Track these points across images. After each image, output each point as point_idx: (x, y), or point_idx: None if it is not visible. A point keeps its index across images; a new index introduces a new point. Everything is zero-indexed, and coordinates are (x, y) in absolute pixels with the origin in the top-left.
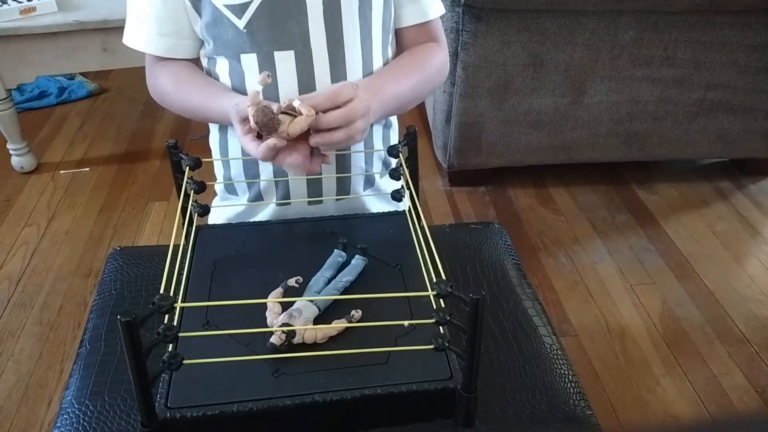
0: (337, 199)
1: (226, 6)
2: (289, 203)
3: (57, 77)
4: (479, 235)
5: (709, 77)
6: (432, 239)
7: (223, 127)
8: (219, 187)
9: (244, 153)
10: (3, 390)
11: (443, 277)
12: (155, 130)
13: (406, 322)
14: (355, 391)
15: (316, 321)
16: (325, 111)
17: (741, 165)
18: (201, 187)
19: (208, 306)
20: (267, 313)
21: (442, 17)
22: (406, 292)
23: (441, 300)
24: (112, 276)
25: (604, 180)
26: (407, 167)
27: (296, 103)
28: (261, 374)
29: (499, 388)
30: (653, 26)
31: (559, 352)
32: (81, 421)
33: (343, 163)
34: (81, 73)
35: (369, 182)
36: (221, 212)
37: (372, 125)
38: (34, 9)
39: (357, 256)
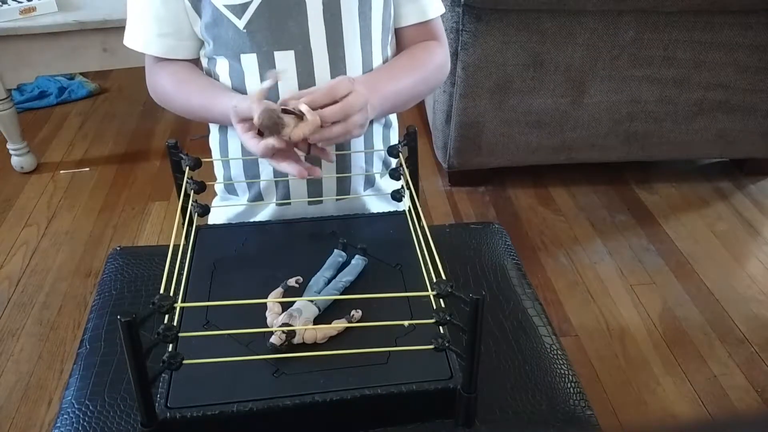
0: (337, 199)
1: (226, 6)
2: (289, 203)
3: (57, 77)
4: (479, 235)
5: (709, 77)
6: (432, 239)
7: (223, 127)
8: (219, 187)
9: (244, 153)
10: (3, 390)
11: (443, 277)
12: (155, 130)
13: (406, 322)
14: (355, 391)
15: (316, 321)
16: (323, 106)
17: (741, 165)
18: (201, 187)
19: (208, 306)
20: (267, 313)
21: (442, 17)
22: (406, 292)
23: (441, 300)
24: (112, 276)
25: (604, 180)
26: (407, 167)
27: (303, 108)
28: (261, 374)
29: (499, 388)
30: (653, 26)
31: (559, 352)
32: (81, 421)
33: (343, 163)
34: (81, 73)
35: (369, 182)
36: (221, 212)
37: (372, 125)
38: (34, 9)
39: (357, 256)
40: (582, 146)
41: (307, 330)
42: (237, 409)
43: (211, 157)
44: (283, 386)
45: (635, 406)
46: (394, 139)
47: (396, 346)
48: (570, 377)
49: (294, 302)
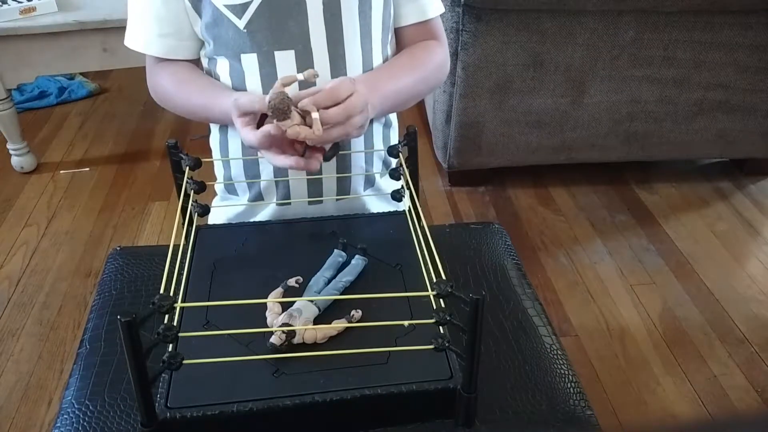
0: (337, 199)
1: (226, 6)
2: (290, 203)
3: (57, 77)
4: (479, 235)
5: (709, 77)
6: (432, 239)
7: (224, 127)
8: (219, 187)
9: (244, 153)
10: (3, 390)
11: (443, 277)
12: (155, 130)
13: (406, 322)
14: (355, 391)
15: (316, 321)
16: (325, 107)
17: (741, 165)
18: (201, 187)
19: (208, 306)
20: (267, 313)
21: (441, 17)
22: (406, 292)
23: (441, 300)
24: (112, 276)
25: (604, 180)
26: (407, 167)
27: (314, 115)
28: (261, 374)
29: (499, 388)
30: (653, 26)
31: (559, 352)
32: (81, 421)
33: (343, 163)
34: (81, 73)
35: (369, 182)
36: (221, 212)
37: (372, 124)
38: (34, 9)
39: (357, 256)
40: (582, 146)
41: (307, 330)
42: (237, 409)
43: (211, 157)
44: (283, 386)
45: (635, 406)
46: (394, 138)
47: (396, 346)
48: (570, 377)
49: (294, 302)
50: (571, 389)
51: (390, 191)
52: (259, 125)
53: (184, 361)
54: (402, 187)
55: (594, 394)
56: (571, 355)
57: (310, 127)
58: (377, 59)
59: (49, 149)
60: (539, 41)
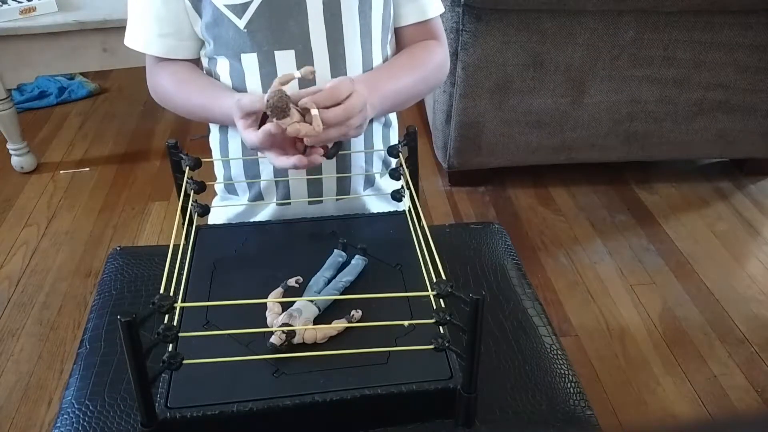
0: (337, 199)
1: (227, 6)
2: (290, 203)
3: (57, 77)
4: (479, 235)
5: (709, 77)
6: (432, 239)
7: (224, 127)
8: (219, 187)
9: (244, 153)
10: (3, 390)
11: (443, 277)
12: (155, 130)
13: (406, 322)
14: (355, 391)
15: (316, 321)
16: (325, 107)
17: (741, 165)
18: (201, 187)
19: (208, 306)
20: (267, 313)
21: (441, 17)
22: (406, 292)
23: (441, 300)
24: (112, 276)
25: (604, 180)
26: (407, 167)
27: (314, 112)
28: (261, 374)
29: (499, 388)
30: (653, 26)
31: (559, 352)
32: (81, 421)
33: (343, 163)
34: (81, 73)
35: (369, 182)
36: (221, 212)
37: (372, 124)
38: (34, 9)
39: (357, 256)
40: (582, 146)
41: (307, 330)
42: (237, 409)
43: (211, 157)
44: (283, 386)
45: (635, 406)
46: (394, 138)
47: (396, 346)
48: (570, 377)
49: (294, 302)
50: (571, 389)
51: (390, 191)
52: (260, 127)
53: (184, 361)
54: (402, 187)
55: (594, 394)
56: (571, 355)
57: (310, 124)
58: (377, 59)
59: (49, 149)
60: (539, 41)
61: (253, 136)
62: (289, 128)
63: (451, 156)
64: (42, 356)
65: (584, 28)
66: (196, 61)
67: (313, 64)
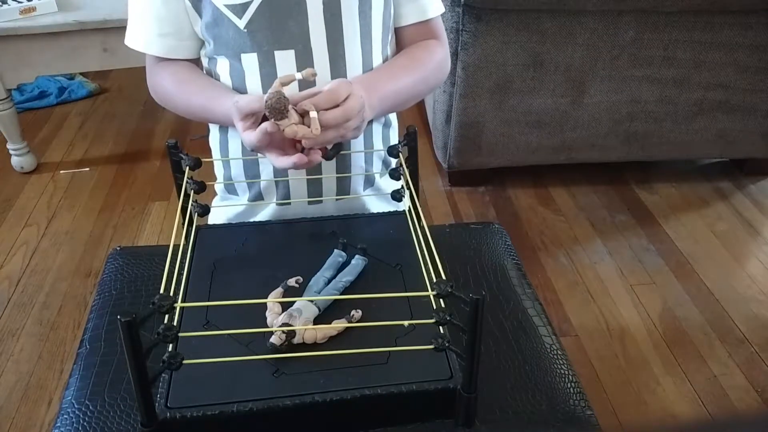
0: (337, 199)
1: (227, 6)
2: (290, 203)
3: (57, 77)
4: (479, 235)
5: (709, 77)
6: (432, 239)
7: (223, 127)
8: (219, 187)
9: (244, 153)
10: (3, 390)
11: (443, 277)
12: (155, 130)
13: (406, 322)
14: (355, 391)
15: (316, 321)
16: (323, 109)
17: (741, 165)
18: (201, 187)
19: (208, 306)
20: (267, 313)
21: (442, 17)
22: (406, 292)
23: (441, 300)
24: (112, 276)
25: (604, 180)
26: (407, 167)
27: (313, 114)
28: (261, 374)
29: (499, 388)
30: (653, 26)
31: (559, 352)
32: (81, 421)
33: (343, 163)
34: (81, 73)
35: (369, 182)
36: (221, 212)
37: (372, 124)
38: (34, 9)
39: (357, 256)
40: (582, 146)
41: (307, 330)
42: (237, 409)
43: (211, 157)
44: (283, 386)
45: (635, 406)
46: (394, 138)
47: (396, 346)
48: (570, 377)
49: (294, 302)
50: (571, 389)
51: (390, 191)
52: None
53: (184, 361)
54: (402, 187)
55: (594, 394)
56: (571, 355)
57: (308, 126)
58: (377, 59)
59: (49, 149)
60: (539, 41)
61: (252, 136)
62: (286, 130)
63: (451, 156)
64: (42, 356)
65: (584, 28)
66: (196, 61)
67: (313, 65)
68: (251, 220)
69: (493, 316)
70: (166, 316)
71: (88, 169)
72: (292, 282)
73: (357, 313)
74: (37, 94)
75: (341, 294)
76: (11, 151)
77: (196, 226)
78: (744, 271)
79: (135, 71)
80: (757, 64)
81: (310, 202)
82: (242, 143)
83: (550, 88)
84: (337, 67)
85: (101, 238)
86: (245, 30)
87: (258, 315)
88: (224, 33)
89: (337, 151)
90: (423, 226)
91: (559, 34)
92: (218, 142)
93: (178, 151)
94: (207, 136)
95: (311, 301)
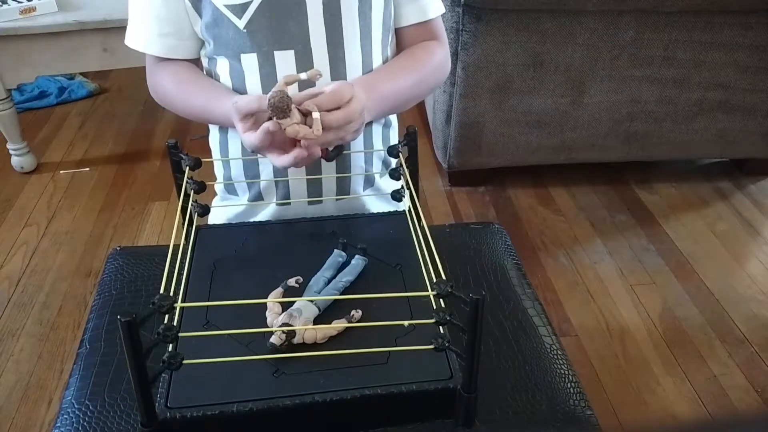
0: (337, 199)
1: (227, 6)
2: (289, 203)
3: (57, 77)
4: (479, 235)
5: (709, 77)
6: (432, 239)
7: (223, 127)
8: (219, 187)
9: (244, 153)
10: (3, 390)
11: (443, 277)
12: (155, 130)
13: (406, 322)
14: (355, 391)
15: (316, 321)
16: (325, 110)
17: (741, 165)
18: (201, 187)
19: (208, 306)
20: (267, 313)
21: (442, 17)
22: (406, 292)
23: (441, 300)
24: (112, 276)
25: (604, 180)
26: (407, 167)
27: (315, 115)
28: (261, 374)
29: (499, 388)
30: (653, 26)
31: (559, 352)
32: (81, 421)
33: (343, 163)
34: (81, 73)
35: (369, 182)
36: (221, 212)
37: (372, 125)
38: (34, 9)
39: (357, 256)
40: (582, 146)
41: (307, 330)
42: (237, 409)
43: (211, 157)
44: (283, 386)
45: (635, 406)
46: (394, 139)
47: (396, 346)
48: (570, 377)
49: (294, 302)
50: (571, 389)
51: (390, 191)
52: None
53: (184, 361)
54: (402, 187)
55: (594, 394)
56: (571, 355)
57: (310, 127)
58: (377, 60)
59: (49, 149)
60: (539, 41)
61: (253, 137)
62: (288, 129)
63: (451, 156)
64: (42, 356)
65: (584, 28)
66: (196, 61)
67: (312, 65)
68: (251, 220)
69: (493, 316)
70: (166, 316)
71: (88, 169)
72: (292, 282)
73: (357, 313)
74: (37, 94)
75: (341, 294)
76: (11, 151)
77: (196, 226)
78: (744, 271)
79: (135, 71)
80: (757, 64)
81: (310, 203)
82: (242, 143)
83: (550, 88)
84: (337, 68)
85: (101, 238)
86: (245, 30)
87: (258, 315)
88: (224, 33)
89: (338, 153)
90: (423, 226)
91: (559, 34)
92: (218, 142)
93: (178, 151)
94: (207, 136)
95: (311, 301)
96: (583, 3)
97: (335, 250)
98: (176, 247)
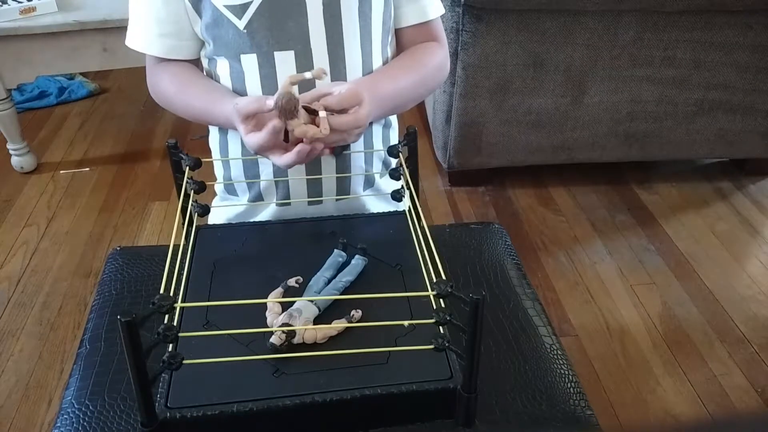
0: (337, 200)
1: (226, 6)
2: (289, 203)
3: (57, 77)
4: (479, 235)
5: (709, 77)
6: (432, 239)
7: (223, 128)
8: (219, 187)
9: (244, 153)
10: (3, 390)
11: (443, 277)
12: (155, 130)
13: (406, 322)
14: (355, 391)
15: (316, 321)
16: (333, 112)
17: (741, 165)
18: (201, 187)
19: (208, 306)
20: (267, 313)
21: (442, 17)
22: (406, 292)
23: (441, 300)
24: (112, 276)
25: (604, 180)
26: (407, 167)
27: (322, 114)
28: (261, 374)
29: (499, 388)
30: (653, 26)
31: (559, 352)
32: (81, 421)
33: (343, 163)
34: (81, 73)
35: (369, 182)
36: (221, 212)
37: (372, 125)
38: (34, 9)
39: (357, 256)
40: (582, 146)
41: (307, 330)
42: (237, 409)
43: (211, 157)
44: (283, 386)
45: (635, 406)
46: (394, 139)
47: (396, 346)
48: (570, 377)
49: (294, 302)
50: (571, 389)
51: (390, 191)
52: None
53: (184, 361)
54: (402, 187)
55: (594, 394)
56: (571, 355)
57: (317, 126)
58: (377, 60)
59: (49, 149)
60: (539, 41)
61: (258, 138)
62: (296, 130)
63: (451, 156)
64: (42, 356)
65: (584, 28)
66: (197, 62)
67: (312, 66)
68: (251, 220)
69: (493, 316)
70: (166, 316)
71: (88, 169)
72: (292, 282)
73: (357, 313)
74: (37, 94)
75: (341, 294)
76: (11, 151)
77: (196, 226)
78: (744, 271)
79: (135, 71)
80: (757, 64)
81: (310, 203)
82: (242, 143)
83: (550, 88)
84: (337, 68)
85: (101, 238)
86: (245, 31)
87: (258, 315)
88: (224, 34)
89: (343, 148)
90: (423, 226)
91: (559, 34)
92: (218, 142)
93: (178, 151)
94: (207, 136)
95: (311, 301)
96: (583, 3)
97: (335, 250)
98: (176, 247)
